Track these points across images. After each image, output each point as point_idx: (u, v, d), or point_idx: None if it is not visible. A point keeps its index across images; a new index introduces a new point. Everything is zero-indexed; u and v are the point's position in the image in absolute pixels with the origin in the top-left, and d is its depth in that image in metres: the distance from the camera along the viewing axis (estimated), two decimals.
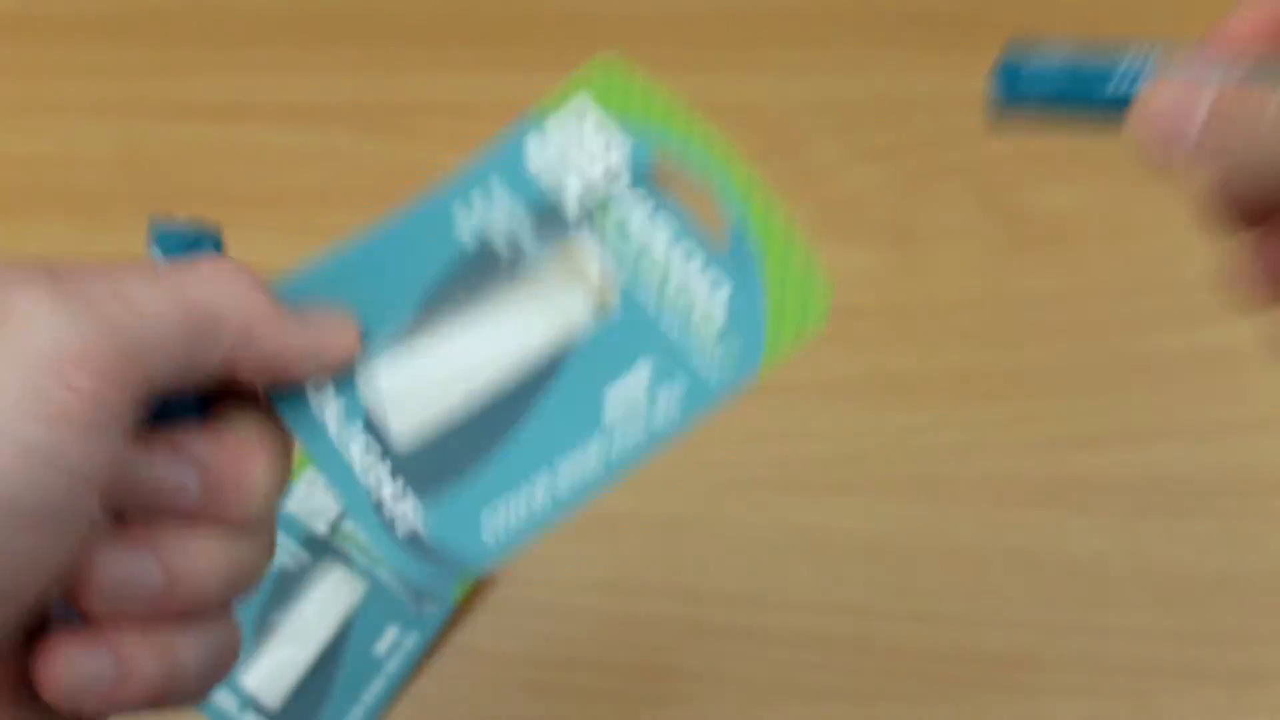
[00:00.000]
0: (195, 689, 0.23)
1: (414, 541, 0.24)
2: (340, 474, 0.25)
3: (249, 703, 0.39)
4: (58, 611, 0.23)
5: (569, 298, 0.25)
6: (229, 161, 0.47)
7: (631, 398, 0.24)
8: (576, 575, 0.40)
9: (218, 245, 0.24)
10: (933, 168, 0.46)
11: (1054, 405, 0.42)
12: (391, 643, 0.39)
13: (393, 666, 0.39)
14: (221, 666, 0.24)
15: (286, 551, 0.40)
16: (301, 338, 0.25)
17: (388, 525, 0.24)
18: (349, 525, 0.40)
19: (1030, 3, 0.49)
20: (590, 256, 0.25)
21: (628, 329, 0.24)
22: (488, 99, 0.47)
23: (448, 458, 0.24)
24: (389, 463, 0.24)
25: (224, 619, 0.24)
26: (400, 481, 0.24)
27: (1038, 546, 0.40)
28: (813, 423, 0.42)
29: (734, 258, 0.24)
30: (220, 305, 0.24)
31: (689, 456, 0.36)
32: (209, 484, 0.23)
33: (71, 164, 0.47)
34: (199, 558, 0.23)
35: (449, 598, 0.40)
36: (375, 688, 0.39)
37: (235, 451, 0.24)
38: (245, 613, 0.39)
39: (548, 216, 0.25)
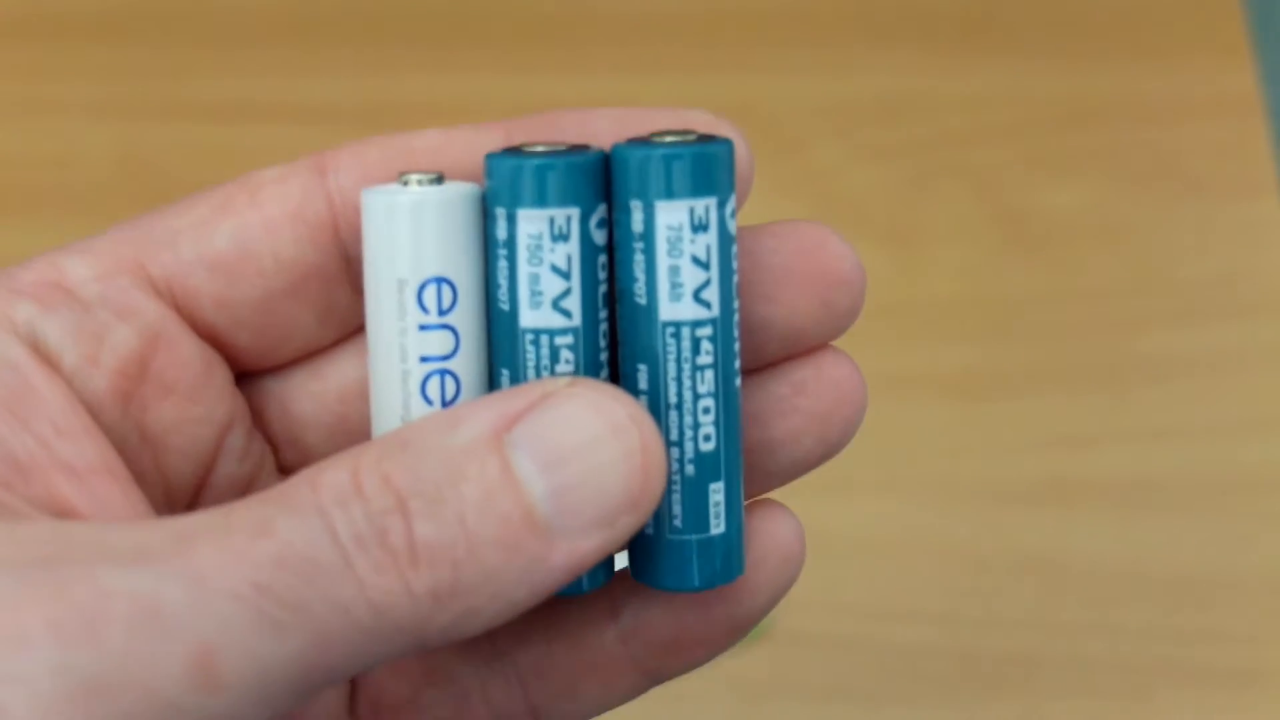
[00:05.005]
0: None
1: None
2: None
3: None
4: None
5: None
6: (229, 161, 0.46)
7: None
8: None
9: None
10: (933, 168, 0.46)
11: (1053, 405, 0.42)
12: None
13: None
14: None
15: None
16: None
17: None
18: None
19: (1031, 3, 0.49)
20: None
21: None
22: (488, 99, 0.47)
23: None
24: None
25: None
26: None
27: (1037, 546, 0.40)
28: None
29: None
30: None
31: None
32: None
33: (71, 164, 0.47)
34: None
35: None
36: None
37: None
38: None
39: None
